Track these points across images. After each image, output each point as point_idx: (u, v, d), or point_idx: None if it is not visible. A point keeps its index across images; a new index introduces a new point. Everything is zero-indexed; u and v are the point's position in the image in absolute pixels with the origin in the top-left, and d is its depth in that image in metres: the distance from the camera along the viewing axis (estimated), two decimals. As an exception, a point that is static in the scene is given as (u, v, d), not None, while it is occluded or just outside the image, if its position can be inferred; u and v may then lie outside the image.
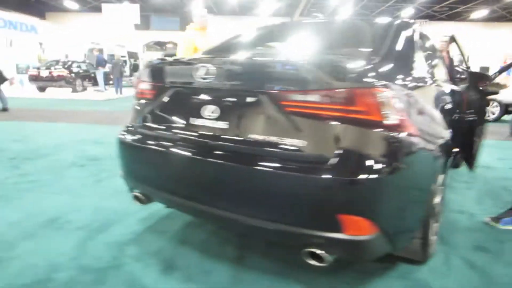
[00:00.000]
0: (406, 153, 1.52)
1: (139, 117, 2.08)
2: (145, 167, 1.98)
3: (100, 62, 13.68)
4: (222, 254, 2.11)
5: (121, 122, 2.34)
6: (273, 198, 1.53)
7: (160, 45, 15.36)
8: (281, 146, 1.53)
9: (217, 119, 1.71)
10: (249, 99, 1.64)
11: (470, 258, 2.19)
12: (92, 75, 14.67)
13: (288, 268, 1.97)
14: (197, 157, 1.71)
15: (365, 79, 1.46)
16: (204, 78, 1.72)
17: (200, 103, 1.79)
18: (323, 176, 1.41)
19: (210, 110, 1.73)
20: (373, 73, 1.50)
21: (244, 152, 1.60)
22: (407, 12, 23.83)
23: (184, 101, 1.89)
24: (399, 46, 1.89)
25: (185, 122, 1.83)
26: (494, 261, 2.18)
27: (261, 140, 1.58)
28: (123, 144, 2.07)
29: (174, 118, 1.90)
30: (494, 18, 23.69)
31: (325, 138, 1.46)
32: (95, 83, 14.64)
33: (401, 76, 1.69)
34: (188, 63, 1.88)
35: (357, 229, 1.44)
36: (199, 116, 1.76)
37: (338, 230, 1.44)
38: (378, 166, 1.42)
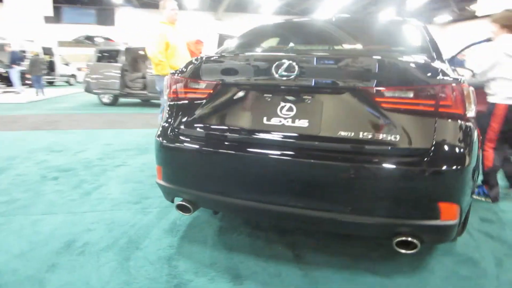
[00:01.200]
0: (476, 141, 1.66)
1: (189, 119, 1.93)
2: (208, 171, 1.85)
3: (15, 60, 12.07)
4: (278, 255, 2.07)
5: (65, 126, 2.13)
6: (372, 193, 1.56)
7: (91, 40, 13.99)
8: (376, 142, 1.56)
9: (294, 117, 1.66)
10: (335, 96, 1.64)
11: (484, 229, 2.47)
12: (5, 74, 12.90)
13: (352, 260, 2.02)
14: (282, 157, 1.65)
15: (446, 77, 1.55)
16: (279, 75, 1.67)
17: (273, 102, 1.73)
18: (426, 168, 1.48)
19: (286, 109, 1.68)
20: (448, 71, 1.60)
21: (337, 150, 1.60)
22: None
23: (252, 100, 1.81)
24: (437, 45, 2.03)
25: (257, 122, 1.75)
26: (501, 229, 2.50)
27: (353, 137, 1.58)
28: (173, 149, 1.91)
29: (244, 118, 1.81)
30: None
31: (420, 132, 1.53)
32: (8, 83, 12.90)
33: (454, 73, 1.82)
34: (256, 58, 1.82)
35: (451, 215, 1.54)
36: (275, 115, 1.70)
37: (436, 217, 1.53)
38: (466, 155, 1.53)
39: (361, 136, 1.58)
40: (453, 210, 1.54)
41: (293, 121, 1.67)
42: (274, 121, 1.71)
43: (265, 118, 1.73)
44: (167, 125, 2.04)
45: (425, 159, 1.50)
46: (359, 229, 1.70)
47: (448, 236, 1.63)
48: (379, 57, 1.61)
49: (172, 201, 2.09)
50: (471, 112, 1.60)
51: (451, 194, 1.53)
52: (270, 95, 1.74)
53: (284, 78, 1.66)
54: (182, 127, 1.96)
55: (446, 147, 1.52)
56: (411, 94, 1.53)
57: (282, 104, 1.70)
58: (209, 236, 2.31)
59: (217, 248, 2.16)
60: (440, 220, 1.53)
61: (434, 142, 1.52)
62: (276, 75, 1.67)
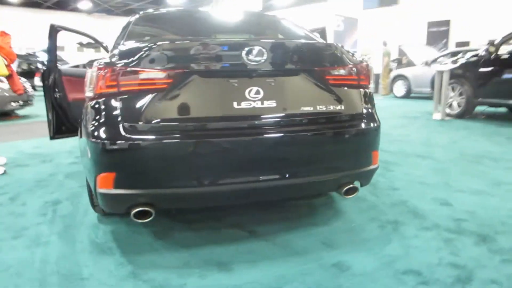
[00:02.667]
0: None
1: (148, 112, 1.73)
2: (181, 164, 1.75)
3: None
4: (235, 237, 2.16)
5: None
6: (333, 154, 1.93)
7: None
8: (329, 112, 1.93)
9: (262, 99, 1.82)
10: (294, 77, 1.89)
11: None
12: None
13: (293, 222, 2.34)
14: (257, 136, 1.78)
15: (359, 58, 2.09)
16: (249, 60, 1.78)
17: (241, 86, 1.81)
18: (365, 127, 1.97)
19: (254, 92, 1.81)
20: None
21: (302, 123, 1.87)
22: (84, 4, 24.14)
23: (219, 86, 1.81)
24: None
25: (227, 107, 1.79)
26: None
27: (312, 110, 1.89)
28: (134, 148, 1.71)
29: (212, 105, 1.80)
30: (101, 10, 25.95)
31: (355, 100, 2.00)
32: None
33: None
34: (223, 44, 1.84)
35: (377, 160, 2.10)
36: (245, 99, 1.79)
37: (371, 163, 2.05)
38: (377, 114, 2.13)
39: (318, 108, 1.91)
40: (377, 156, 2.11)
41: (262, 103, 1.82)
42: (244, 104, 1.80)
43: (235, 103, 1.79)
44: (111, 124, 1.74)
45: (363, 120, 1.99)
46: (322, 188, 2.05)
47: (372, 177, 2.20)
48: (324, 44, 1.97)
49: (126, 211, 1.82)
50: (370, 84, 2.19)
51: (377, 144, 2.09)
52: (236, 81, 1.81)
53: (253, 63, 1.78)
54: (140, 122, 1.73)
55: (369, 110, 2.06)
56: (345, 72, 1.98)
57: (250, 88, 1.82)
58: (153, 242, 2.12)
59: (174, 249, 2.03)
60: (373, 165, 2.07)
61: (363, 107, 2.02)
62: (246, 61, 1.77)
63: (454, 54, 9.84)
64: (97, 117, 1.78)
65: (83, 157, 2.03)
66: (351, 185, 2.02)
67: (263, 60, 1.80)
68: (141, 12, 2.70)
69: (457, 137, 4.94)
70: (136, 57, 1.74)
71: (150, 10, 2.73)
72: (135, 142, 1.70)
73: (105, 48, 3.92)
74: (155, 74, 1.75)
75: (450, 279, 1.69)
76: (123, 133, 1.72)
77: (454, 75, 6.50)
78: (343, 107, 1.96)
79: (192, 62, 1.78)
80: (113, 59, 1.79)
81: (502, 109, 7.20)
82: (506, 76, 5.83)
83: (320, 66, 1.94)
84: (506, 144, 4.47)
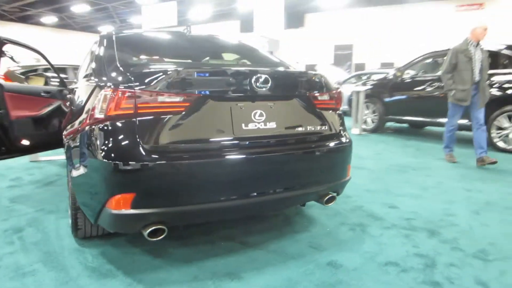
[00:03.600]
0: None
1: (168, 134, 1.84)
2: (197, 182, 1.87)
3: None
4: (229, 249, 2.30)
5: None
6: (321, 168, 2.22)
7: None
8: (317, 131, 2.24)
9: (265, 121, 2.04)
10: (289, 101, 2.14)
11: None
12: None
13: (276, 230, 2.57)
14: (262, 154, 1.99)
15: (335, 85, 2.45)
16: (257, 87, 1.99)
17: (247, 110, 2.00)
18: (344, 144, 2.32)
19: (258, 115, 2.02)
20: None
21: (298, 141, 2.14)
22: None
23: (229, 109, 1.98)
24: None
25: (237, 128, 1.97)
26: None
27: (305, 130, 2.17)
28: (154, 168, 1.77)
29: (224, 126, 1.96)
30: (62, 25, 25.24)
31: (334, 121, 2.33)
32: None
33: None
34: (234, 72, 2.01)
35: (349, 172, 2.46)
36: (251, 121, 1.99)
37: (347, 175, 2.40)
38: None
39: (308, 128, 2.20)
40: (350, 169, 2.47)
41: (265, 124, 2.04)
42: (251, 126, 2.00)
43: (243, 125, 1.98)
44: (130, 145, 1.79)
45: (341, 138, 2.33)
46: (310, 198, 2.31)
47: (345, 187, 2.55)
48: (313, 73, 2.26)
49: (140, 230, 1.85)
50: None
51: (350, 158, 2.45)
52: (243, 104, 2.00)
53: (259, 89, 2.00)
54: (160, 143, 1.82)
55: (344, 129, 2.42)
56: (327, 97, 2.31)
57: (255, 111, 2.02)
58: (152, 261, 2.14)
59: (177, 265, 2.10)
60: (348, 177, 2.42)
61: (340, 127, 2.37)
62: (254, 87, 1.98)
63: (359, 76, 11.22)
64: (114, 139, 1.80)
65: (84, 179, 1.99)
66: (330, 195, 2.34)
67: (267, 87, 2.02)
68: (113, 32, 2.70)
69: (379, 150, 5.72)
70: (155, 80, 1.83)
71: (117, 31, 2.76)
72: (156, 162, 1.77)
73: (56, 71, 3.76)
74: (173, 97, 1.85)
75: (421, 266, 2.10)
76: (144, 154, 1.77)
77: (368, 95, 7.47)
78: (327, 127, 2.28)
79: (207, 87, 1.93)
80: (125, 81, 1.84)
81: (405, 125, 8.45)
82: (406, 96, 6.92)
83: (309, 92, 2.23)
84: (419, 155, 5.33)
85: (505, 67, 5.57)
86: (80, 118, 2.08)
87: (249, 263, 2.12)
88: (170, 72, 1.86)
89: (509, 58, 5.55)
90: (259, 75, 2.00)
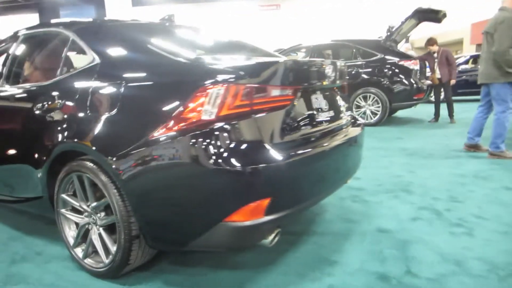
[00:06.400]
0: None
1: (281, 130, 1.67)
2: (312, 176, 1.78)
3: None
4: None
5: None
6: (359, 152, 2.39)
7: None
8: (352, 116, 2.43)
9: (329, 109, 2.08)
10: (334, 91, 2.24)
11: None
12: None
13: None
14: (338, 143, 2.01)
15: None
16: (326, 78, 2.00)
17: (320, 100, 2.00)
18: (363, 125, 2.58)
19: (324, 104, 2.04)
20: None
21: (346, 125, 2.27)
22: None
23: (312, 101, 1.92)
24: None
25: (323, 118, 1.97)
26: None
27: (350, 116, 2.33)
28: (286, 167, 1.59)
29: (311, 118, 1.90)
30: None
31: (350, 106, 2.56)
32: None
33: None
34: (314, 64, 1.90)
35: None
36: (323, 110, 2.01)
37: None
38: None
39: (347, 113, 2.35)
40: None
41: (329, 113, 2.08)
42: (324, 115, 2.01)
43: (322, 114, 1.98)
44: (257, 147, 1.54)
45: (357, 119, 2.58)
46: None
47: None
48: (341, 62, 2.35)
49: (267, 237, 1.64)
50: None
51: None
52: (316, 95, 1.99)
53: (330, 80, 2.03)
54: (281, 140, 1.65)
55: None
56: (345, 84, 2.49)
57: (323, 101, 2.03)
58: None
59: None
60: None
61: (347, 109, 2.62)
62: (328, 78, 1.99)
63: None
64: (237, 141, 1.52)
65: (177, 198, 1.58)
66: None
67: (333, 78, 2.07)
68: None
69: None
70: (266, 72, 1.63)
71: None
72: (288, 160, 1.60)
73: None
74: (282, 91, 1.69)
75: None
76: (274, 153, 1.57)
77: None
78: (350, 111, 2.49)
79: (304, 79, 1.84)
80: (235, 75, 1.56)
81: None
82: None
83: (344, 80, 2.38)
84: (383, 140, 5.54)
85: (355, 58, 6.98)
86: (149, 127, 1.60)
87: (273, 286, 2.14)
88: (279, 64, 1.68)
89: (357, 50, 6.97)
90: (333, 65, 2.04)
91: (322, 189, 1.89)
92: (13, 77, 2.47)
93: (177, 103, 1.56)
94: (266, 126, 1.60)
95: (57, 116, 1.97)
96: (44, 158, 2.00)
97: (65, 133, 1.90)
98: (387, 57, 6.70)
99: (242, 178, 1.49)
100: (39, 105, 2.06)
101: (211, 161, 1.48)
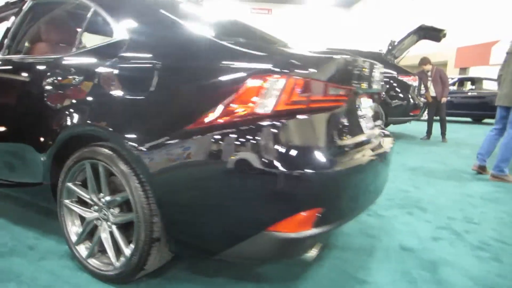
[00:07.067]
0: None
1: (334, 133, 1.51)
2: (360, 186, 1.62)
3: None
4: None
5: None
6: None
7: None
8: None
9: (368, 116, 1.94)
10: (372, 97, 2.09)
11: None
12: None
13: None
14: (381, 152, 1.84)
15: None
16: (372, 81, 1.84)
17: (363, 104, 1.86)
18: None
19: (366, 110, 1.90)
20: None
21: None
22: None
23: (357, 104, 1.78)
24: None
25: (363, 125, 1.82)
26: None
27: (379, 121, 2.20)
28: (341, 174, 1.42)
29: (357, 123, 1.76)
30: None
31: None
32: None
33: None
34: (367, 62, 1.74)
35: None
36: (364, 116, 1.86)
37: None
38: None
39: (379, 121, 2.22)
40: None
41: (369, 119, 1.94)
42: (366, 121, 1.86)
43: (364, 120, 1.84)
44: (313, 150, 1.37)
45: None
46: None
47: None
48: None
49: (309, 251, 1.46)
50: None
51: None
52: (361, 99, 1.83)
53: (373, 84, 1.86)
54: (335, 144, 1.48)
55: None
56: None
57: (365, 106, 1.88)
58: None
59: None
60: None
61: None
62: (374, 82, 1.84)
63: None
64: (290, 142, 1.34)
65: (212, 199, 1.38)
66: None
67: (376, 82, 1.92)
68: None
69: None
70: (326, 67, 1.46)
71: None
72: (342, 168, 1.43)
73: None
74: (338, 90, 1.53)
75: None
76: (330, 158, 1.41)
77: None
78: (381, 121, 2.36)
79: (356, 79, 1.65)
80: (296, 67, 1.38)
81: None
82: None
83: (381, 87, 2.23)
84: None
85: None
86: (187, 116, 1.40)
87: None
88: (338, 60, 1.51)
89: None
90: (378, 69, 1.90)
91: (364, 203, 1.73)
92: (18, 47, 2.19)
93: (224, 91, 1.37)
94: (321, 128, 1.44)
95: (71, 94, 1.73)
96: (50, 141, 1.75)
97: (80, 115, 1.66)
98: (386, 70, 6.69)
99: (296, 183, 1.32)
100: (50, 79, 1.81)
101: (263, 161, 1.29)
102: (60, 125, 1.71)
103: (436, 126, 6.97)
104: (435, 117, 7.02)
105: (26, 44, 2.25)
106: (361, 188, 1.63)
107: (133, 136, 1.47)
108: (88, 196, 1.68)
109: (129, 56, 1.61)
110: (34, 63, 1.99)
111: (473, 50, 14.90)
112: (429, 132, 7.06)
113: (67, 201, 1.76)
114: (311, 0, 23.88)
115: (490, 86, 11.59)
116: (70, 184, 1.73)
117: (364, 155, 1.64)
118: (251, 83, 1.34)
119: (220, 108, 1.35)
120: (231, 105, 1.34)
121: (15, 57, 2.13)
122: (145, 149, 1.42)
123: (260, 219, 1.35)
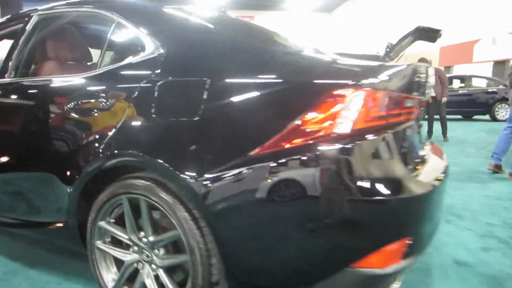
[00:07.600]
0: None
1: (409, 147, 1.39)
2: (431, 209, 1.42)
3: None
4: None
5: None
6: None
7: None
8: None
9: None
10: None
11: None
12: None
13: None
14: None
15: None
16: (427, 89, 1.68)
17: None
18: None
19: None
20: None
21: None
22: None
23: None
24: None
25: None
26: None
27: None
28: (425, 198, 1.25)
29: (420, 138, 1.60)
30: None
31: None
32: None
33: None
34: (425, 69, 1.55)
35: None
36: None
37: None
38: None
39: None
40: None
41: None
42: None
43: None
44: (397, 171, 1.20)
45: None
46: None
47: None
48: None
49: (392, 284, 1.28)
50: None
51: None
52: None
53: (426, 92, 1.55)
54: (410, 163, 1.35)
55: None
56: None
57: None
58: None
59: None
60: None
61: None
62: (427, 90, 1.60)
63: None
64: (373, 164, 1.17)
65: (289, 232, 1.18)
66: None
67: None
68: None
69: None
70: (398, 78, 1.30)
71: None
72: (427, 191, 1.26)
73: None
74: (410, 101, 1.38)
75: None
76: (414, 181, 1.25)
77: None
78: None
79: (420, 89, 1.46)
80: (372, 79, 1.21)
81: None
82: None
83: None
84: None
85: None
86: (251, 141, 1.21)
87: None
88: (408, 67, 1.35)
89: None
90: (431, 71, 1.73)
91: (437, 225, 1.53)
92: (25, 68, 1.95)
93: (295, 110, 1.18)
94: (400, 145, 1.29)
95: (100, 119, 1.51)
96: (76, 174, 1.53)
97: (113, 142, 1.44)
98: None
99: (385, 211, 1.14)
100: (72, 104, 1.59)
101: (348, 189, 1.11)
102: (90, 154, 1.49)
103: (436, 126, 6.93)
104: (435, 117, 6.99)
105: (36, 64, 2.02)
106: (437, 208, 1.46)
107: (183, 165, 1.26)
108: (127, 237, 1.46)
109: (169, 73, 1.41)
110: (51, 85, 1.76)
111: (456, 49, 15.12)
112: (430, 131, 7.02)
113: (99, 242, 1.53)
114: (293, 6, 23.94)
115: (478, 84, 11.77)
116: (102, 223, 1.50)
117: (434, 170, 1.49)
118: (328, 99, 1.16)
119: (291, 130, 1.16)
120: (304, 125, 1.16)
121: (25, 79, 1.89)
122: (198, 180, 1.22)
123: (343, 255, 1.18)
